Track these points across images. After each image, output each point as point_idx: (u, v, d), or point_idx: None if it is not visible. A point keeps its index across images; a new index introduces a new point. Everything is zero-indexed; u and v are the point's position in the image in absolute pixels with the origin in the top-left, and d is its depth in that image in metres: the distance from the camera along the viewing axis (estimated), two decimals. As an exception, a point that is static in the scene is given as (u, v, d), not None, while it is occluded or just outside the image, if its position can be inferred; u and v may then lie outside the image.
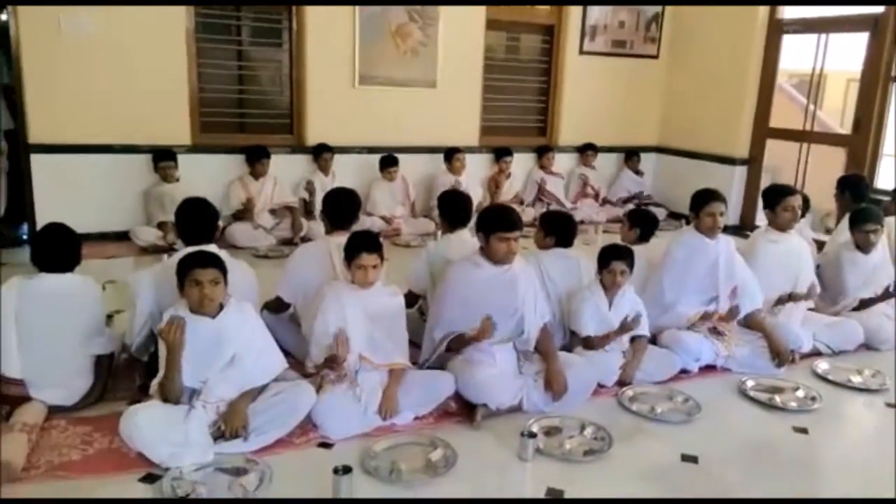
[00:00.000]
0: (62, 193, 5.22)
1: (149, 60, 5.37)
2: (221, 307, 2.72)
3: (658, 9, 7.36)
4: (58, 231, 2.92)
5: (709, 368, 3.59)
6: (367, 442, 2.73)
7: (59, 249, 2.89)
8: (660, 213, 7.07)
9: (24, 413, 2.67)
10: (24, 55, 5.03)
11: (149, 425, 2.50)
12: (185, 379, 2.63)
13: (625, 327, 3.35)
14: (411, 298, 3.70)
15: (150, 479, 2.44)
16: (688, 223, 3.88)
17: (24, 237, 5.36)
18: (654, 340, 3.59)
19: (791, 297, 3.85)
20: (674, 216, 7.15)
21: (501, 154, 6.87)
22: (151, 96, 5.43)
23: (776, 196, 3.90)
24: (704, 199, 3.66)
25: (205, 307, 2.65)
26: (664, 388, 3.33)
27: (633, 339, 3.44)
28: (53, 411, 2.79)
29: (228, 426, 2.60)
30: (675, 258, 3.68)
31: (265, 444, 2.65)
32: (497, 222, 3.06)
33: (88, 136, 5.29)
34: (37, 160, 5.18)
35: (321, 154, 6.06)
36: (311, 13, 5.88)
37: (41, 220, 5.15)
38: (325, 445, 2.73)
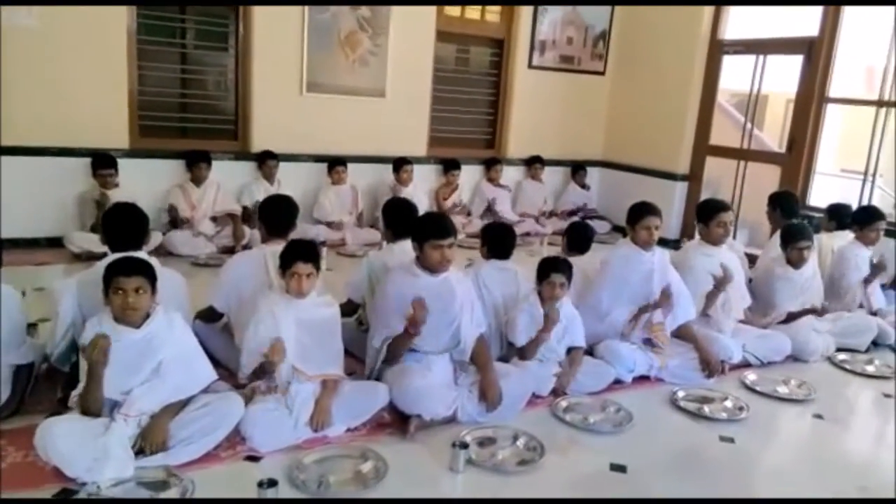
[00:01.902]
0: (-9, 196, 5.02)
1: (88, 60, 5.22)
2: (147, 316, 2.64)
3: (605, 26, 7.52)
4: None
5: (643, 379, 3.65)
6: (296, 454, 2.67)
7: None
8: (603, 225, 7.22)
9: (-68, 426, 2.55)
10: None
11: (65, 438, 2.40)
12: (106, 391, 2.54)
13: (547, 321, 3.32)
14: (350, 307, 3.68)
15: (64, 493, 2.35)
16: (624, 236, 3.95)
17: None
18: (590, 352, 3.63)
19: (717, 286, 3.86)
20: (617, 229, 7.27)
21: (449, 167, 6.89)
22: (89, 98, 5.27)
23: (709, 211, 4.01)
24: (640, 212, 3.74)
25: (128, 316, 2.57)
26: (598, 399, 3.36)
27: (569, 351, 3.47)
28: (-33, 423, 2.67)
29: (148, 442, 2.52)
30: (611, 269, 3.75)
31: (190, 458, 2.57)
32: (430, 230, 3.07)
33: (21, 137, 5.10)
34: (-37, 162, 4.99)
35: (265, 161, 5.98)
36: (259, 17, 5.81)
37: (-33, 224, 4.95)
38: (253, 458, 2.67)
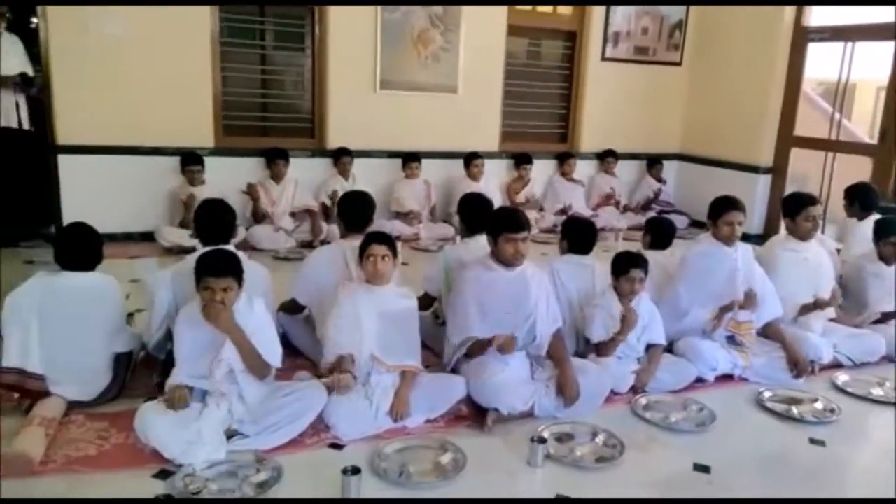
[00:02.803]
0: (89, 194, 5.32)
1: (174, 63, 5.46)
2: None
3: (682, 15, 7.32)
4: (80, 230, 2.99)
5: (725, 378, 3.55)
6: (377, 444, 2.74)
7: (82, 248, 2.95)
8: (681, 221, 7.03)
9: (43, 407, 2.72)
10: (52, 56, 5.14)
11: (162, 422, 2.54)
12: (193, 380, 2.66)
13: (626, 323, 3.27)
14: (426, 301, 3.72)
15: (163, 475, 2.48)
16: (706, 230, 3.85)
17: (51, 236, 5.44)
18: (669, 349, 3.56)
19: (816, 305, 3.79)
20: (696, 224, 7.09)
21: (521, 161, 6.87)
22: (176, 99, 5.52)
23: (797, 205, 3.85)
24: (723, 207, 3.63)
25: None
26: (679, 398, 3.29)
27: (648, 347, 3.41)
28: (72, 406, 2.84)
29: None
30: (691, 265, 3.65)
31: (278, 444, 2.67)
32: (504, 223, 3.08)
33: (116, 138, 5.39)
34: (64, 161, 5.29)
35: (340, 158, 6.11)
36: (334, 18, 5.94)
37: (68, 220, 5.21)
38: (336, 446, 2.75)
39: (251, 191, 5.65)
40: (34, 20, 5.60)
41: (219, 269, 2.68)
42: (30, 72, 5.15)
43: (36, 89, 5.07)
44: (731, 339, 3.62)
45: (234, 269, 2.72)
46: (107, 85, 5.29)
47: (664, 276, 3.77)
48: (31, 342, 2.79)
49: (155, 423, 2.53)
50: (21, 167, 5.08)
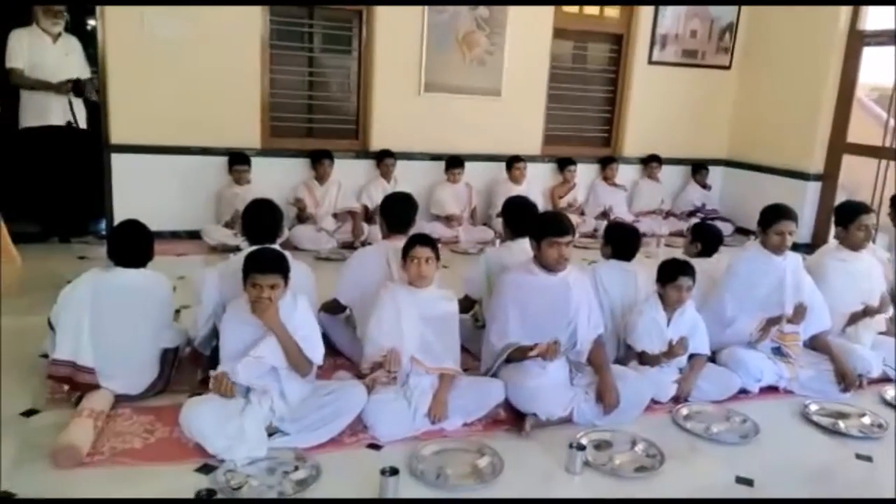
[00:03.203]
0: (139, 192, 5.46)
1: (225, 65, 5.58)
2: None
3: (732, 18, 7.18)
4: (133, 228, 3.07)
5: (770, 390, 3.47)
6: (415, 445, 2.75)
7: (134, 245, 3.03)
8: (726, 227, 6.89)
9: (92, 400, 2.80)
10: (108, 57, 5.30)
11: (206, 418, 2.60)
12: (239, 378, 2.71)
13: (673, 350, 3.24)
14: (466, 304, 3.73)
15: (205, 469, 2.53)
16: (753, 238, 3.77)
17: (102, 233, 5.63)
18: (713, 359, 3.49)
19: (865, 312, 3.68)
20: (741, 231, 6.95)
21: (565, 164, 6.82)
22: (226, 101, 5.64)
23: (849, 213, 3.75)
24: (774, 216, 3.54)
25: None
26: (721, 408, 3.24)
27: (691, 356, 3.36)
28: (119, 400, 2.92)
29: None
30: (738, 274, 3.58)
31: (317, 442, 2.71)
32: (548, 227, 3.07)
33: (167, 137, 5.53)
34: (117, 159, 5.45)
35: (383, 160, 6.16)
36: (381, 21, 5.99)
37: (119, 217, 5.37)
38: (374, 447, 2.77)
39: (298, 203, 5.76)
40: (91, 22, 5.79)
41: (266, 267, 2.74)
42: (87, 73, 5.29)
43: (90, 95, 5.20)
44: (777, 350, 3.54)
45: (280, 267, 2.77)
46: (160, 86, 5.43)
47: (709, 284, 3.70)
48: (82, 336, 2.87)
49: (200, 417, 2.59)
50: (74, 165, 5.23)
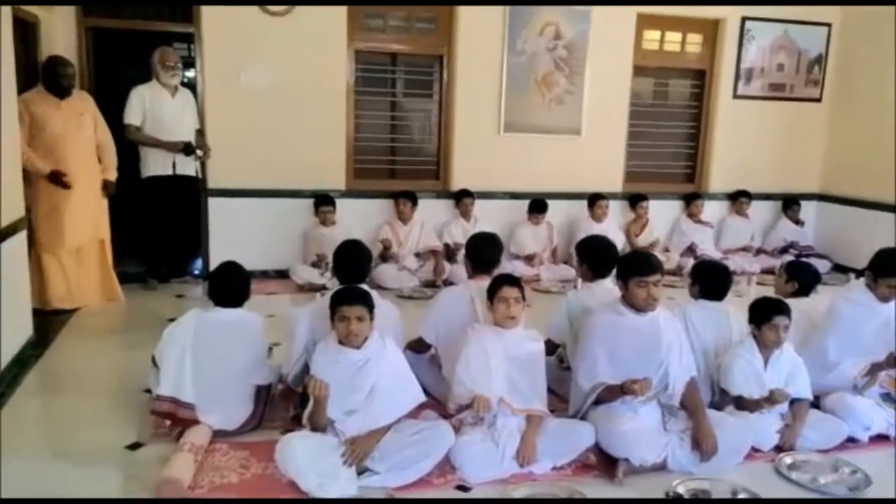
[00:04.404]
0: (233, 234, 5.70)
1: (313, 112, 5.81)
2: (366, 340, 2.86)
3: (821, 50, 6.97)
4: (232, 269, 3.22)
5: (880, 439, 3.25)
6: (504, 488, 2.72)
7: (233, 286, 3.18)
8: (823, 265, 6.57)
9: (193, 435, 2.90)
10: (207, 107, 5.63)
11: (301, 454, 2.65)
12: (330, 411, 2.77)
13: (773, 398, 3.10)
14: (550, 347, 3.67)
15: (298, 506, 2.58)
16: (858, 277, 3.58)
17: (196, 272, 5.89)
18: (815, 404, 3.31)
19: None
20: (839, 269, 6.62)
21: (637, 200, 6.71)
22: (313, 145, 5.85)
23: None
24: (890, 268, 3.34)
25: (350, 340, 2.81)
26: (828, 458, 3.05)
27: (792, 402, 3.19)
28: (217, 435, 3.01)
29: (350, 452, 2.69)
30: (841, 316, 3.40)
31: (406, 482, 2.71)
32: (635, 266, 3.01)
33: (258, 181, 5.79)
34: (213, 203, 5.73)
35: (462, 199, 6.23)
36: (461, 64, 6.12)
37: (214, 257, 5.66)
38: (463, 488, 2.75)
39: (384, 243, 5.89)
40: (189, 73, 6.16)
41: (352, 299, 2.82)
42: (197, 125, 5.62)
43: (200, 157, 5.50)
44: (887, 396, 3.33)
45: (366, 301, 2.85)
46: (252, 133, 5.70)
47: (808, 326, 3.53)
48: (184, 373, 3.00)
49: (294, 454, 2.65)
50: (179, 210, 5.54)
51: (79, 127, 4.79)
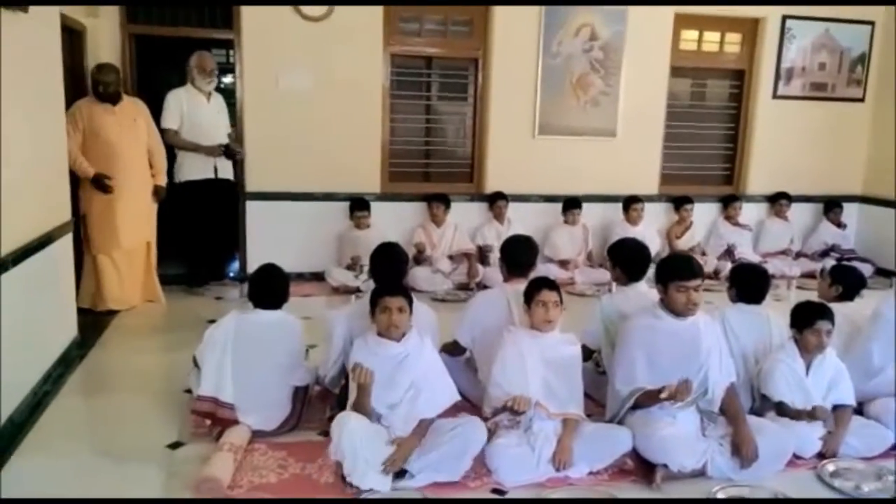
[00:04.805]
0: (270, 236, 5.78)
1: (349, 115, 5.85)
2: (404, 335, 2.89)
3: (864, 49, 6.81)
4: (272, 271, 3.28)
5: (927, 447, 3.17)
6: (540, 491, 2.72)
7: (272, 288, 3.23)
8: (866, 269, 6.40)
9: (232, 435, 2.95)
10: (245, 112, 5.71)
11: (357, 432, 2.66)
12: (372, 402, 2.80)
13: (816, 414, 3.03)
14: (586, 352, 3.64)
15: (334, 505, 2.61)
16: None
17: (232, 275, 5.99)
18: (859, 411, 3.24)
19: None
20: (882, 273, 6.46)
21: (681, 203, 6.64)
22: (349, 148, 5.90)
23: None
24: None
25: (391, 332, 2.85)
26: (872, 465, 2.98)
27: (835, 408, 3.12)
28: (255, 435, 3.05)
29: (391, 460, 2.69)
30: (887, 320, 3.32)
31: (442, 481, 2.73)
32: (675, 271, 2.98)
33: (295, 184, 5.85)
34: (250, 206, 5.83)
35: (496, 202, 6.22)
36: (496, 67, 6.12)
37: (251, 260, 5.75)
38: (499, 492, 2.75)
39: (419, 246, 5.92)
40: (226, 79, 6.26)
41: (394, 290, 2.88)
42: (229, 129, 5.71)
43: (239, 157, 5.60)
44: (935, 403, 3.23)
45: (406, 294, 2.91)
46: (289, 136, 5.77)
47: (852, 331, 3.46)
48: (224, 374, 3.06)
49: (353, 431, 2.64)
50: (218, 213, 5.62)
51: (132, 132, 4.91)
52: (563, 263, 6.21)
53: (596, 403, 3.35)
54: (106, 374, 3.96)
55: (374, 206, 5.95)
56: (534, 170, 6.34)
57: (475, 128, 6.36)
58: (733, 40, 6.78)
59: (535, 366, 2.92)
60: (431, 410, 2.84)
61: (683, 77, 6.78)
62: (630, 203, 6.38)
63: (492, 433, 2.91)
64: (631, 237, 4.30)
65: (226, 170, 5.55)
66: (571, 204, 6.29)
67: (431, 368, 2.89)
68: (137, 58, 5.74)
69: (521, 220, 6.17)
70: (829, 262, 5.88)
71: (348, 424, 2.67)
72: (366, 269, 5.39)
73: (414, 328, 2.93)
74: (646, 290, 3.50)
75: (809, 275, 6.23)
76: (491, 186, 6.31)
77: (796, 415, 3.06)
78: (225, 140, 5.54)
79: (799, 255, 6.84)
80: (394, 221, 5.98)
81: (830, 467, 2.94)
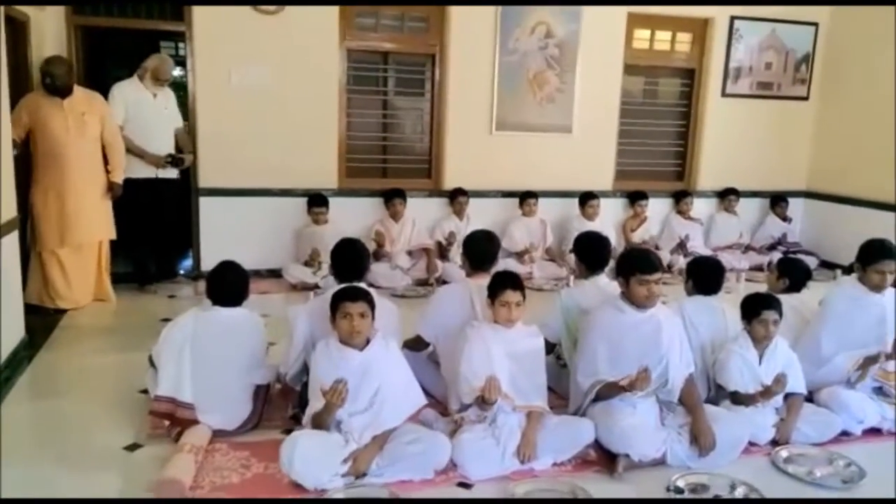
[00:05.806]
0: (225, 233, 5.68)
1: (305, 111, 5.79)
2: (368, 341, 2.85)
3: (808, 49, 7.06)
4: (232, 268, 3.20)
5: (873, 432, 3.30)
6: (505, 484, 2.73)
7: (233, 285, 3.16)
8: (811, 261, 6.64)
9: (192, 435, 2.89)
10: (198, 107, 5.59)
11: (308, 451, 2.63)
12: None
13: (770, 391, 3.13)
14: (546, 345, 3.68)
15: (300, 505, 2.58)
16: (844, 273, 3.64)
17: (184, 272, 5.86)
18: (809, 399, 3.36)
19: None
20: (826, 265, 6.70)
21: (636, 198, 6.77)
22: (305, 144, 5.84)
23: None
24: (876, 255, 3.42)
25: (353, 339, 2.80)
26: (823, 451, 3.09)
27: (786, 396, 3.23)
28: (216, 435, 3.00)
29: (353, 469, 2.67)
30: (834, 310, 3.46)
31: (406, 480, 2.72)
32: (636, 265, 3.03)
33: (249, 181, 5.76)
34: (204, 203, 5.70)
35: (456, 197, 6.24)
36: (453, 63, 6.13)
37: (205, 257, 5.64)
38: (464, 485, 2.76)
39: (378, 238, 5.88)
40: (177, 72, 6.09)
41: (355, 295, 2.82)
42: (180, 123, 5.56)
43: (186, 165, 5.46)
44: (880, 390, 3.38)
45: (368, 298, 2.85)
46: (243, 132, 5.67)
47: (800, 322, 3.59)
48: (183, 373, 2.98)
49: (303, 451, 2.61)
50: (166, 210, 5.46)
51: (80, 127, 4.72)
52: (521, 256, 6.25)
53: (558, 396, 3.38)
54: (56, 375, 3.82)
55: (332, 201, 5.89)
56: (491, 165, 6.37)
57: (433, 123, 6.35)
58: (684, 39, 6.94)
59: (501, 359, 2.93)
60: (396, 419, 2.81)
61: (636, 75, 6.91)
62: (586, 199, 6.47)
63: (458, 426, 2.92)
64: (594, 231, 4.36)
65: (167, 169, 5.38)
66: (527, 195, 6.36)
67: (397, 374, 2.86)
68: (85, 50, 5.55)
69: (480, 215, 6.20)
70: (777, 256, 6.11)
71: (298, 446, 2.62)
72: (325, 265, 5.35)
73: (378, 332, 2.90)
74: (605, 283, 3.55)
75: (758, 268, 6.44)
76: (449, 182, 6.32)
77: (750, 400, 3.16)
78: (171, 137, 5.39)
79: (748, 248, 7.05)
80: (352, 217, 5.93)
81: (784, 453, 3.04)
